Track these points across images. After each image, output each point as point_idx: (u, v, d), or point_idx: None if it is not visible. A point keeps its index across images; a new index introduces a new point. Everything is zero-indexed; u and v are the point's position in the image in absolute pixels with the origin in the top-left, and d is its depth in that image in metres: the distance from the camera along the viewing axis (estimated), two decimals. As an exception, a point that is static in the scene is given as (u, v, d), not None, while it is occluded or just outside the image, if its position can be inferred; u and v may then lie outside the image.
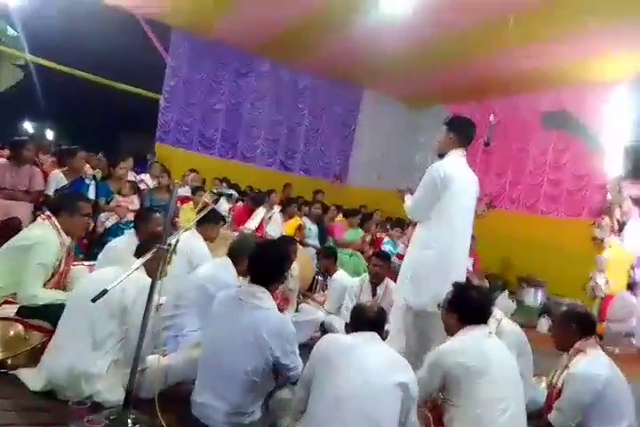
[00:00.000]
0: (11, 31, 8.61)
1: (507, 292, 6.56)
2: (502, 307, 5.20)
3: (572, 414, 2.44)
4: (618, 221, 7.34)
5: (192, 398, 2.32)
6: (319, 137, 10.97)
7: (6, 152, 4.86)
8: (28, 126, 16.86)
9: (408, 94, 10.58)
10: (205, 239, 3.77)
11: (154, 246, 2.20)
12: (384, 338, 2.18)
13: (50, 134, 16.72)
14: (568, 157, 8.31)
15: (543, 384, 3.07)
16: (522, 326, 3.34)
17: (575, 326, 2.64)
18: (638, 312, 6.23)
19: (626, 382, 2.54)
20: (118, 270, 2.41)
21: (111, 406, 2.20)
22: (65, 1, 8.17)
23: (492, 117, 8.00)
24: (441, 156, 3.16)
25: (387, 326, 2.25)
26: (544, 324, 6.18)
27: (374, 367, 1.92)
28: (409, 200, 3.18)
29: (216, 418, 2.22)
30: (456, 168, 3.04)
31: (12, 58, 8.87)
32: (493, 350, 2.33)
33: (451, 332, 2.49)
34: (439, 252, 2.95)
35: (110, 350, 2.33)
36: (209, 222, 3.80)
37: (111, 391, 2.27)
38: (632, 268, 7.53)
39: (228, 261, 3.06)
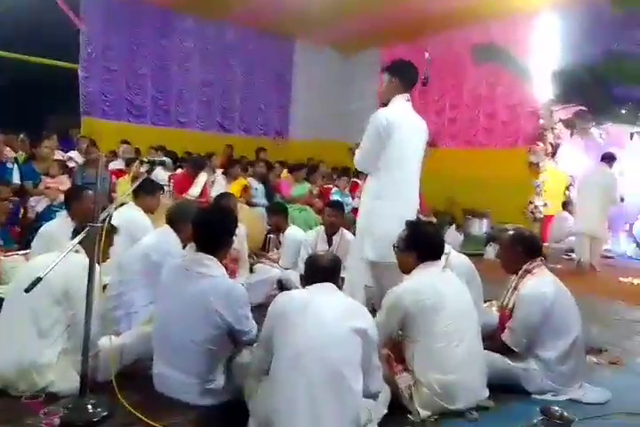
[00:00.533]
0: None
1: (454, 226, 6.80)
2: (452, 240, 5.39)
3: (523, 333, 2.57)
4: (551, 145, 7.61)
5: (153, 371, 2.29)
6: (255, 94, 10.58)
7: None
8: None
9: (340, 42, 10.33)
10: (146, 211, 3.63)
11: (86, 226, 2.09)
12: (340, 286, 2.17)
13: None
14: (501, 89, 8.42)
15: (494, 308, 3.21)
16: (470, 255, 3.45)
17: (521, 248, 2.74)
18: (575, 228, 6.59)
19: (571, 297, 2.68)
20: (54, 257, 2.28)
21: (68, 395, 2.13)
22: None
23: (427, 55, 7.97)
24: (385, 104, 3.03)
25: (343, 274, 2.23)
26: (490, 252, 6.46)
27: (330, 317, 1.92)
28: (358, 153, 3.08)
29: (178, 389, 2.20)
30: (401, 114, 2.94)
31: None
32: (448, 285, 2.40)
33: (406, 270, 2.52)
34: (391, 201, 2.92)
35: (58, 338, 2.23)
36: (146, 193, 3.64)
37: (65, 380, 2.19)
38: (567, 188, 7.93)
39: (170, 229, 2.95)
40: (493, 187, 7.75)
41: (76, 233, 2.38)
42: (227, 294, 2.22)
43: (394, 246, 2.58)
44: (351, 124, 11.32)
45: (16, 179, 4.84)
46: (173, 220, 2.97)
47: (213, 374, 2.22)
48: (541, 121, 7.65)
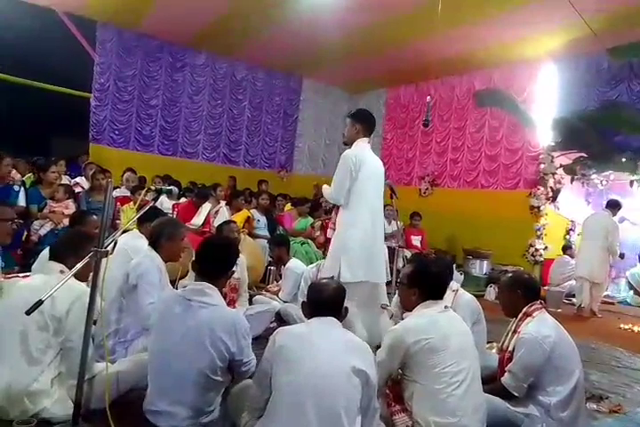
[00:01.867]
0: None
1: (454, 265, 6.79)
2: (453, 279, 5.37)
3: (524, 376, 2.53)
4: (552, 189, 7.70)
5: (145, 409, 2.21)
6: (261, 128, 10.82)
7: None
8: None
9: (346, 80, 10.63)
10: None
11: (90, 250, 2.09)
12: (344, 316, 2.12)
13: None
14: (503, 133, 8.61)
15: (494, 350, 3.18)
16: (470, 295, 3.43)
17: (521, 291, 2.73)
18: (574, 273, 6.58)
19: (572, 341, 2.65)
20: (46, 278, 2.30)
21: (60, 422, 2.09)
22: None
23: (428, 98, 8.23)
24: (347, 144, 3.55)
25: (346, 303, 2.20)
26: (491, 293, 6.45)
27: (328, 355, 1.88)
28: (328, 188, 3.48)
29: (174, 422, 2.14)
30: (365, 154, 3.44)
31: None
32: (450, 325, 2.36)
33: (408, 307, 2.51)
34: (363, 229, 3.37)
35: (51, 363, 2.19)
36: (151, 221, 3.65)
37: (58, 406, 2.14)
38: (567, 232, 7.97)
39: (152, 251, 2.92)
40: (494, 228, 7.80)
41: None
42: (232, 324, 2.19)
43: (397, 282, 2.59)
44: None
45: (21, 201, 4.87)
46: (153, 239, 2.97)
47: (210, 406, 2.18)
48: (542, 166, 7.78)
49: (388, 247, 6.93)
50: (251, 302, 3.98)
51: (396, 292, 3.87)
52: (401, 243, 5.04)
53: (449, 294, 3.04)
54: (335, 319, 2.05)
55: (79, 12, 8.40)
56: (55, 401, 2.16)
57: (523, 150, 8.29)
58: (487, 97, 8.26)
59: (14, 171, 5.61)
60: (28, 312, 1.83)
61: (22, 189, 5.01)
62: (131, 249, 3.27)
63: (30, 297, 1.97)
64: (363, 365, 1.90)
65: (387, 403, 2.33)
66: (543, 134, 7.74)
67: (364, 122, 3.52)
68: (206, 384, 2.16)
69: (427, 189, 9.66)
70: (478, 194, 8.71)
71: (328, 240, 3.58)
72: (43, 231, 4.75)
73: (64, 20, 8.39)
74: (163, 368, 2.19)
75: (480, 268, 7.47)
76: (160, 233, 2.95)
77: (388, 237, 7.31)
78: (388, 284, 5.86)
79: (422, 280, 2.47)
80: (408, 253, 6.13)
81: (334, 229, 3.43)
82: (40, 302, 1.83)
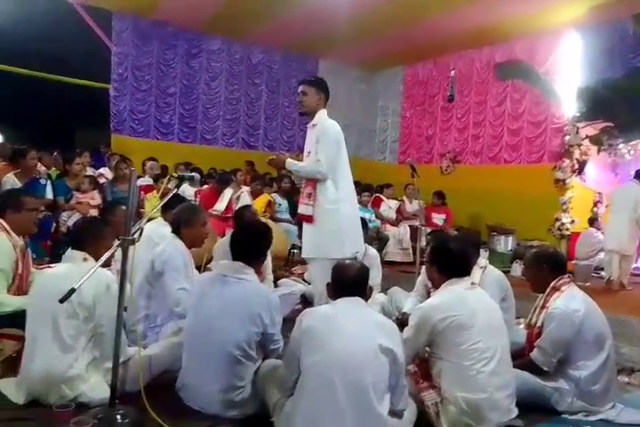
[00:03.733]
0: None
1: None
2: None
3: (553, 351, 2.51)
4: (578, 161, 7.50)
5: (180, 383, 2.32)
6: (279, 111, 10.76)
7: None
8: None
9: (364, 59, 10.44)
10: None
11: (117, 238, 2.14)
12: (368, 296, 2.12)
13: (-1, 137, 16.02)
14: (525, 105, 8.38)
15: (522, 326, 3.16)
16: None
17: (547, 266, 2.70)
18: (603, 245, 6.46)
19: (602, 314, 2.62)
20: (70, 266, 2.36)
21: (97, 405, 2.16)
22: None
23: (452, 73, 8.07)
24: (306, 114, 3.33)
25: (370, 282, 2.21)
26: (517, 269, 6.38)
27: (355, 335, 1.90)
28: (311, 164, 3.17)
29: (207, 400, 2.22)
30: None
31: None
32: (477, 302, 2.35)
33: (435, 285, 2.51)
34: (350, 203, 3.28)
35: (84, 349, 2.26)
36: (174, 209, 3.70)
37: (95, 390, 2.22)
38: (594, 204, 7.78)
39: (175, 238, 2.97)
40: (519, 203, 7.66)
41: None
42: (266, 298, 2.32)
43: (421, 261, 2.59)
44: (373, 142, 11.44)
45: (49, 194, 4.99)
46: (175, 226, 3.02)
47: (242, 381, 2.24)
48: (567, 137, 7.56)
49: (411, 226, 6.96)
50: (276, 285, 4.02)
51: (420, 271, 3.89)
52: (423, 222, 5.00)
53: (477, 271, 3.05)
54: (360, 299, 2.05)
55: (94, 3, 8.42)
56: (91, 385, 2.24)
57: (546, 123, 8.06)
58: (508, 69, 8.04)
59: (40, 164, 5.74)
60: (62, 300, 1.87)
61: (49, 182, 5.13)
62: (156, 236, 3.32)
63: (57, 286, 2.04)
64: (390, 343, 1.91)
65: (414, 380, 2.35)
66: (567, 105, 7.51)
67: (326, 92, 3.31)
68: (241, 358, 2.23)
69: (448, 166, 9.52)
70: (501, 169, 8.54)
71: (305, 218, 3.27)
72: (71, 222, 4.84)
73: (80, 12, 8.42)
74: (200, 342, 2.27)
75: (505, 244, 7.38)
76: (180, 220, 3.00)
77: (410, 217, 7.30)
78: (412, 264, 5.89)
79: (441, 257, 2.46)
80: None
81: (313, 206, 3.17)
82: (73, 291, 1.87)
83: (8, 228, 2.77)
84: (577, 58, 7.60)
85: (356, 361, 1.84)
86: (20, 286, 2.73)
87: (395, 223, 7.16)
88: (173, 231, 3.01)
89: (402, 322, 3.46)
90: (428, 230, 6.08)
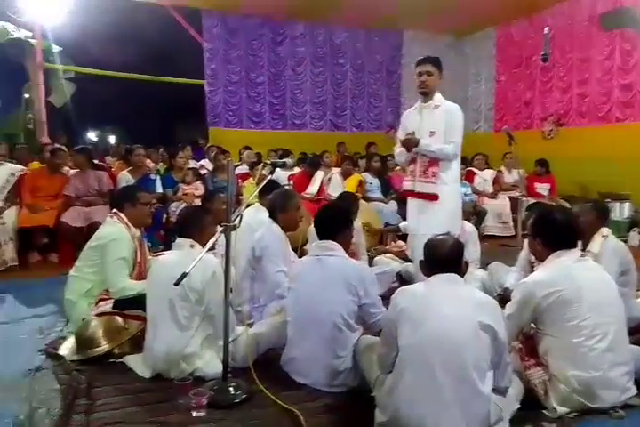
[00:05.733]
0: (55, 48, 9.01)
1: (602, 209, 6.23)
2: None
3: (677, 326, 2.30)
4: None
5: (285, 358, 2.47)
6: (365, 90, 10.70)
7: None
8: (91, 134, 17.83)
9: (450, 25, 9.91)
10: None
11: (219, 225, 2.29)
12: (464, 271, 2.06)
13: (111, 138, 17.62)
14: (637, 56, 7.46)
15: (640, 299, 2.91)
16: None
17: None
18: None
19: None
20: (179, 253, 2.56)
21: (212, 379, 2.35)
22: (95, 7, 8.36)
23: (546, 30, 7.40)
24: (426, 94, 3.39)
25: (468, 258, 2.16)
26: (634, 237, 5.83)
27: (452, 312, 1.86)
28: (445, 146, 3.30)
29: (312, 372, 2.34)
30: None
31: (63, 72, 9.32)
32: (586, 275, 2.21)
33: (540, 258, 2.40)
34: (459, 181, 3.58)
35: (198, 328, 2.46)
36: (269, 194, 3.85)
37: (209, 365, 2.42)
38: None
39: (272, 223, 3.11)
40: (633, 166, 6.91)
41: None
42: (358, 269, 2.45)
43: (523, 234, 2.49)
44: (466, 111, 10.90)
45: (159, 188, 5.43)
46: (270, 212, 3.15)
47: (344, 352, 2.33)
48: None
49: (511, 198, 6.60)
50: (371, 265, 4.05)
51: (522, 246, 3.70)
52: (524, 192, 4.72)
53: (597, 240, 2.91)
54: (456, 275, 1.99)
55: (184, 4, 8.86)
56: (206, 361, 2.44)
57: (663, 74, 7.16)
58: (614, 18, 7.20)
59: (149, 160, 6.25)
60: (176, 284, 2.04)
61: (158, 176, 5.58)
62: (254, 222, 3.49)
63: (170, 271, 2.23)
64: (490, 320, 1.85)
65: (520, 357, 2.27)
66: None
67: (441, 71, 3.41)
68: (342, 327, 2.33)
69: (551, 130, 8.82)
70: (612, 129, 7.72)
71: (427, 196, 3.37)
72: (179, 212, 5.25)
73: (173, 14, 8.92)
74: (303, 317, 2.42)
75: (620, 211, 6.73)
76: (274, 206, 3.14)
77: (509, 188, 6.91)
78: (513, 237, 5.60)
79: (544, 229, 2.34)
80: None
81: (436, 184, 3.31)
82: (185, 275, 2.03)
83: (127, 221, 3.09)
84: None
85: (454, 339, 1.81)
86: (139, 272, 3.05)
87: (492, 196, 6.82)
88: (270, 216, 3.14)
89: (504, 298, 3.34)
90: (531, 201, 5.74)
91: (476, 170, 7.08)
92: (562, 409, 2.10)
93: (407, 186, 3.50)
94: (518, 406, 2.06)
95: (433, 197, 3.33)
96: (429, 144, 3.27)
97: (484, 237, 5.71)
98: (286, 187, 5.62)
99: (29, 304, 3.66)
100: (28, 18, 8.19)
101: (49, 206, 4.91)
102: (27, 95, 9.55)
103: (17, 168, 5.08)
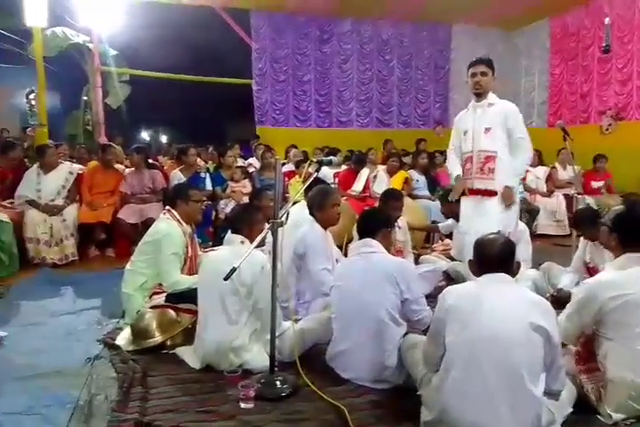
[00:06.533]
0: (111, 52, 9.43)
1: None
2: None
3: None
4: None
5: (331, 353, 2.49)
6: (412, 85, 10.57)
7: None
8: (144, 134, 18.48)
9: (502, 17, 9.61)
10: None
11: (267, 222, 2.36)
12: (516, 271, 1.99)
13: (163, 138, 18.21)
14: None
15: None
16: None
17: None
18: None
19: None
20: (229, 248, 2.64)
21: (259, 372, 2.41)
22: (147, 11, 8.67)
23: (607, 20, 7.06)
24: (480, 95, 3.39)
25: (519, 257, 2.08)
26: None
27: (502, 312, 1.81)
28: (519, 141, 3.41)
29: (357, 367, 2.36)
30: None
31: (118, 75, 9.73)
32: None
33: (614, 253, 2.30)
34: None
35: (246, 322, 2.52)
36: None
37: (257, 359, 2.48)
38: None
39: (312, 220, 3.16)
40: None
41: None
42: (399, 264, 2.50)
43: (578, 235, 2.39)
44: (518, 105, 10.53)
45: (208, 186, 5.58)
46: (309, 208, 3.19)
47: (389, 346, 2.34)
48: None
49: (566, 195, 6.34)
50: (417, 263, 4.01)
51: (577, 245, 3.57)
52: (580, 190, 4.54)
53: None
54: (506, 275, 1.94)
55: (232, 4, 9.03)
56: (254, 354, 2.50)
57: None
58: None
59: (199, 159, 6.42)
60: (226, 278, 2.11)
61: (207, 175, 5.73)
62: (300, 220, 3.53)
63: (221, 266, 2.30)
64: (542, 321, 1.79)
65: (575, 361, 2.20)
66: None
67: (495, 72, 3.42)
68: (387, 321, 2.35)
69: (609, 124, 8.40)
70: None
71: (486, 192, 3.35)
72: (228, 209, 5.35)
73: (221, 15, 9.11)
74: (349, 312, 2.44)
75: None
76: (311, 203, 3.18)
77: (563, 185, 6.64)
78: (567, 236, 5.39)
79: (626, 225, 2.22)
80: (590, 200, 5.50)
81: (494, 180, 3.33)
82: (234, 269, 2.10)
83: (179, 217, 3.21)
84: None
85: (504, 339, 1.77)
86: (190, 267, 3.17)
87: (546, 194, 6.58)
88: (310, 214, 3.18)
89: (557, 299, 3.25)
90: (587, 198, 5.50)
91: (528, 167, 6.84)
92: (617, 416, 2.02)
93: (476, 183, 3.46)
94: (571, 409, 1.99)
95: (491, 194, 3.34)
96: (515, 176, 3.40)
97: (536, 236, 5.55)
98: (330, 184, 5.65)
99: (88, 296, 3.85)
100: (85, 23, 8.59)
101: (106, 203, 5.15)
102: (85, 97, 10.02)
103: (76, 167, 5.34)
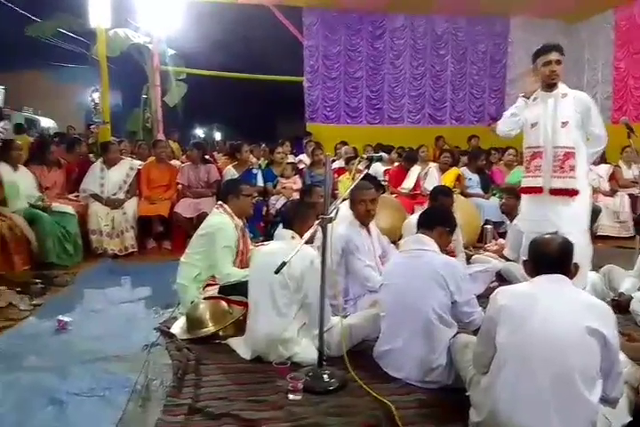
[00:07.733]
0: (169, 51, 9.76)
1: None
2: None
3: None
4: None
5: (378, 350, 2.50)
6: (467, 81, 10.37)
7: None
8: (199, 131, 19.02)
9: (563, 9, 9.23)
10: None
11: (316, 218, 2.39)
12: (574, 273, 1.92)
13: (217, 135, 18.67)
14: None
15: None
16: None
17: None
18: None
19: None
20: (280, 243, 2.70)
21: (308, 365, 2.45)
22: (203, 12, 8.92)
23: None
24: (551, 87, 3.19)
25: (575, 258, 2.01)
26: None
27: (561, 316, 1.75)
28: (595, 132, 3.23)
29: (405, 366, 2.35)
30: None
31: (176, 74, 10.06)
32: None
33: None
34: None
35: (295, 315, 2.57)
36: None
37: (306, 352, 2.52)
38: None
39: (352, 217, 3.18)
40: None
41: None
42: (448, 264, 2.42)
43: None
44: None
45: (260, 182, 5.70)
46: (350, 200, 3.17)
47: (439, 346, 2.32)
48: None
49: (630, 195, 6.01)
50: (468, 263, 3.93)
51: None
52: (645, 189, 4.30)
53: None
54: (564, 277, 1.87)
55: (285, 2, 9.13)
56: (302, 348, 2.55)
57: None
58: None
59: (251, 156, 6.56)
60: (276, 272, 2.15)
61: (259, 171, 5.85)
62: (340, 217, 3.56)
63: (272, 260, 2.34)
64: (599, 325, 1.72)
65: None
66: None
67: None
68: (435, 322, 2.32)
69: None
70: None
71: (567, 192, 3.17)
72: (278, 205, 5.47)
73: (274, 13, 9.23)
74: (398, 310, 2.44)
75: None
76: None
77: (628, 184, 6.30)
78: (631, 238, 5.12)
79: None
80: (657, 201, 5.20)
81: (575, 178, 3.14)
82: (284, 264, 2.14)
83: (231, 211, 3.31)
84: None
85: (558, 342, 1.71)
86: (241, 260, 3.27)
87: (609, 193, 6.27)
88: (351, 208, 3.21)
89: (619, 304, 3.10)
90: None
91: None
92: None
93: (530, 182, 3.29)
94: (630, 419, 1.91)
95: (573, 193, 3.13)
96: (593, 179, 3.35)
97: (597, 238, 5.31)
98: (381, 181, 5.62)
99: (146, 286, 4.04)
100: (145, 24, 8.94)
101: (163, 197, 5.37)
102: (145, 96, 10.42)
103: (136, 163, 5.59)
